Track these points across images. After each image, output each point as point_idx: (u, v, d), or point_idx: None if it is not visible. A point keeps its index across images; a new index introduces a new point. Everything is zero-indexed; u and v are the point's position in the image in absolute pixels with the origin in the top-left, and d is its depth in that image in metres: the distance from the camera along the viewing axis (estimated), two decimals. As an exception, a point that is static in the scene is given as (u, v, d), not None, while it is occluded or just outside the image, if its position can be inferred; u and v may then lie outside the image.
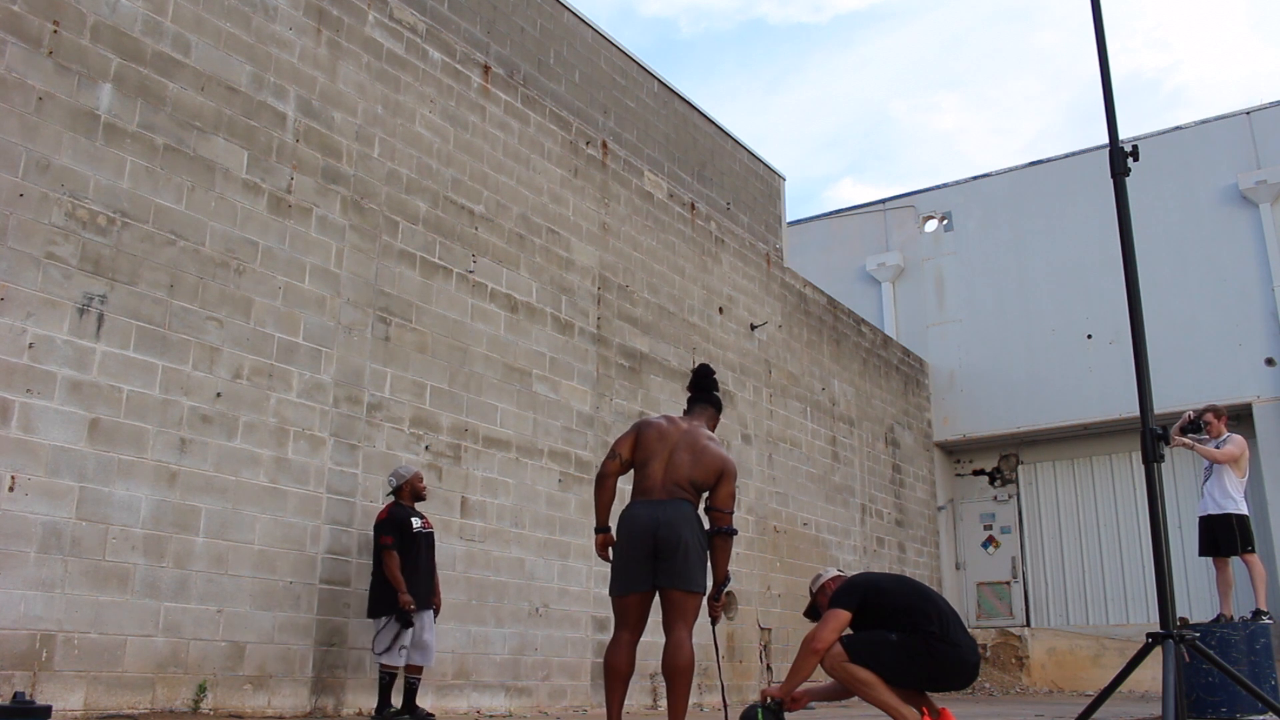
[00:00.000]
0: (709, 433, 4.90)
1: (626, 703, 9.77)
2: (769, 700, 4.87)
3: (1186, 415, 8.02)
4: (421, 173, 8.45)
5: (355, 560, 7.23)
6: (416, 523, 6.93)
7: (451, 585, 7.96)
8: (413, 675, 6.85)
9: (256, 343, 6.88)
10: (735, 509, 4.72)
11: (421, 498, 7.13)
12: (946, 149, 59.56)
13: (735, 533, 4.73)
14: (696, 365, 5.22)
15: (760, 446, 12.44)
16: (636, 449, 4.79)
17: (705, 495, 4.76)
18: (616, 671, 4.51)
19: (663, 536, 4.50)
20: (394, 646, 6.65)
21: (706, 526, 4.70)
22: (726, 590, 4.96)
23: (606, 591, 4.76)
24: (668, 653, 4.45)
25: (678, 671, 4.40)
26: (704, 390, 5.08)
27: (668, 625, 4.52)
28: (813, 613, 5.24)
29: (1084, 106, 57.24)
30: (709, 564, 4.65)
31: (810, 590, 5.27)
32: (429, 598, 6.93)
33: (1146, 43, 57.74)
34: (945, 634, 4.74)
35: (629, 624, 4.58)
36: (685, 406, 5.13)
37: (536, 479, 9.01)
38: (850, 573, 5.33)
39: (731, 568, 4.85)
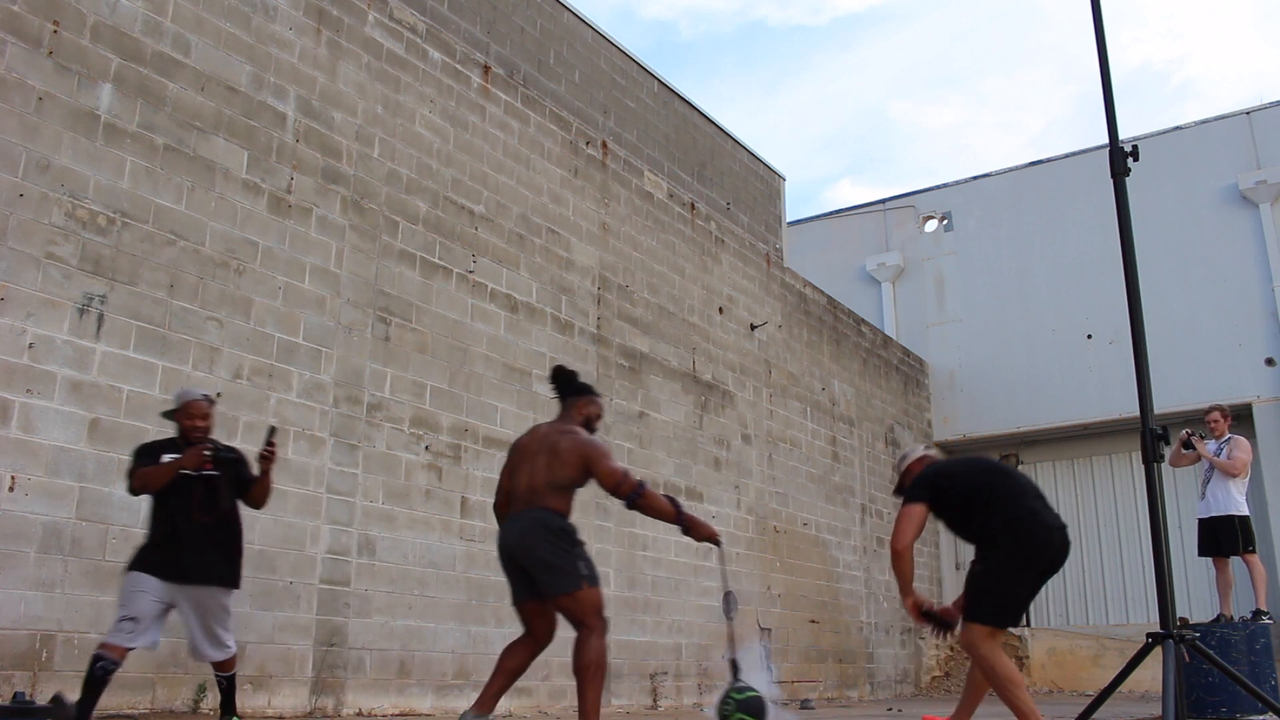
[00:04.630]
0: (570, 427, 4.78)
1: (627, 702, 9.71)
2: (742, 691, 4.87)
3: (1183, 434, 8.00)
4: (421, 173, 8.45)
5: (355, 560, 7.23)
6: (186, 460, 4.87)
7: (451, 585, 7.96)
8: (221, 674, 5.17)
9: (256, 343, 6.88)
10: (682, 498, 4.72)
11: (189, 440, 4.99)
12: (952, 144, 59.60)
13: (639, 493, 4.59)
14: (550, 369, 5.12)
15: (760, 446, 12.44)
16: (510, 473, 4.81)
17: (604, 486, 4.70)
18: (501, 662, 4.73)
19: (518, 554, 4.59)
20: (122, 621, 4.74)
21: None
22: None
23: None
24: (572, 654, 4.54)
25: (578, 670, 4.49)
26: (563, 388, 4.99)
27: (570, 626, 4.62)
28: (899, 490, 5.13)
29: (1093, 98, 57.38)
30: (575, 552, 4.58)
31: (896, 467, 5.32)
32: (217, 571, 4.95)
33: (1158, 33, 57.69)
34: (1019, 507, 4.51)
35: (528, 628, 4.77)
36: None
37: (536, 479, 9.00)
38: (932, 456, 5.25)
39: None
